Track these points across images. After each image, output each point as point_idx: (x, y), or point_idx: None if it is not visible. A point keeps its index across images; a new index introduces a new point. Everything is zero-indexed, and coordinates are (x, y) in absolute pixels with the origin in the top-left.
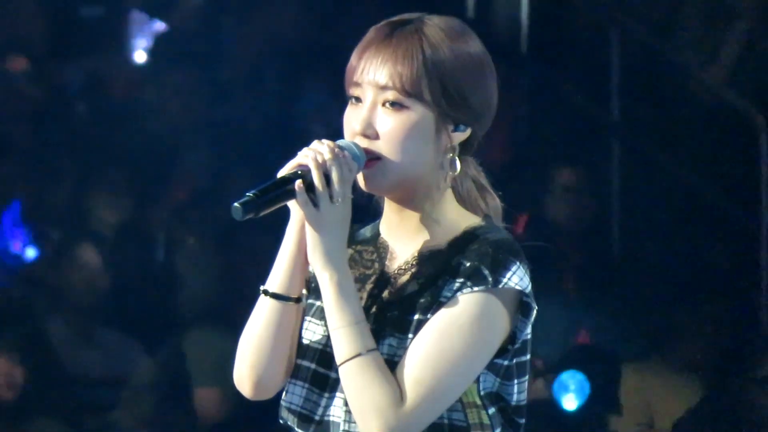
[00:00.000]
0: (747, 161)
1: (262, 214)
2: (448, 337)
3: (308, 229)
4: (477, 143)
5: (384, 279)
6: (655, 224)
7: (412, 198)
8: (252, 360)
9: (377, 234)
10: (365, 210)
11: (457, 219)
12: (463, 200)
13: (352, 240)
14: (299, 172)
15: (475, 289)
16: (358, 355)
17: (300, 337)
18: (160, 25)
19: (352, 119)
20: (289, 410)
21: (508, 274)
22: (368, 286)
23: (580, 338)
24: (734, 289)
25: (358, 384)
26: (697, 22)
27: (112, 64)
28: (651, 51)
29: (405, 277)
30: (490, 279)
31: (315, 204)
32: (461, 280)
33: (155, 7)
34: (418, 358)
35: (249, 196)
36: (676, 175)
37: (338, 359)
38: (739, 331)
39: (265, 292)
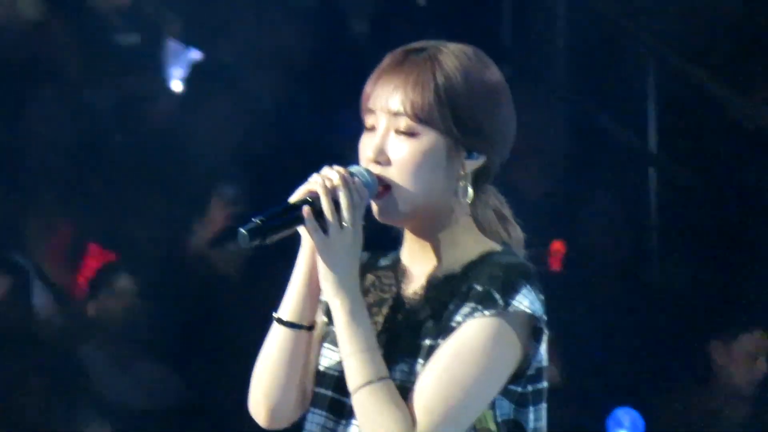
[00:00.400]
0: None
1: (269, 241)
2: (460, 362)
3: (318, 256)
4: (494, 172)
5: (399, 303)
6: (694, 254)
7: (428, 226)
8: (265, 388)
9: (398, 260)
10: (392, 239)
11: (474, 245)
12: (483, 230)
13: (374, 266)
14: (309, 198)
15: (486, 313)
16: (369, 383)
17: (318, 363)
18: (196, 54)
19: (366, 146)
20: None
21: (519, 297)
22: (384, 311)
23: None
24: None
25: (369, 412)
26: (734, 52)
27: (148, 92)
28: (688, 80)
29: (419, 302)
30: (501, 302)
31: (324, 230)
32: (472, 304)
33: (191, 36)
34: (430, 384)
35: (255, 222)
36: (714, 204)
37: (350, 387)
38: None
39: (279, 321)
